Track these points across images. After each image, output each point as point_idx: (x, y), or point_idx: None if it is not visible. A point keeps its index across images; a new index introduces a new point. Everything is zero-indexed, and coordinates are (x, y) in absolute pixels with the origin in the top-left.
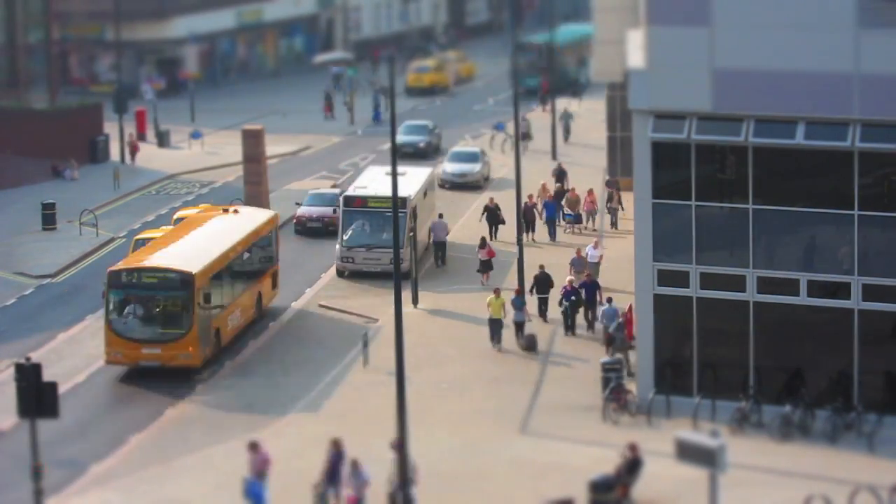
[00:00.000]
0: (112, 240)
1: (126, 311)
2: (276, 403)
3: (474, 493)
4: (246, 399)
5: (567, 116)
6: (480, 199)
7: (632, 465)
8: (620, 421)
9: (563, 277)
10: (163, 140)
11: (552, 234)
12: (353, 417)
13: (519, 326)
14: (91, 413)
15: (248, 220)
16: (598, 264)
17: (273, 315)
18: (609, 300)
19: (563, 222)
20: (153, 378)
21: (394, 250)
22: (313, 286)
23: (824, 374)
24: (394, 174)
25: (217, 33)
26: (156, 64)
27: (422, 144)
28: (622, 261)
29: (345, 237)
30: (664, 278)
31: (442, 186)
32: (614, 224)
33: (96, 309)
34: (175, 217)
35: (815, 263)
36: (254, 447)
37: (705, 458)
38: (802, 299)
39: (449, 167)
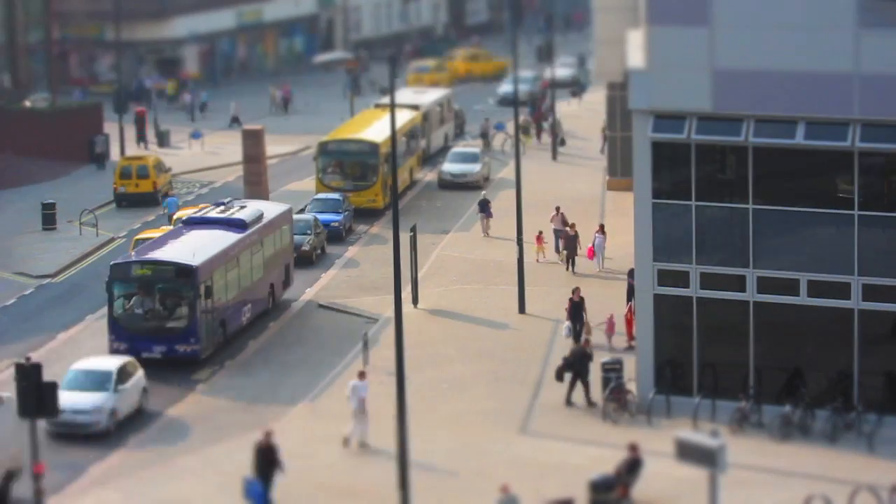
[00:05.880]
0: (112, 240)
1: None
2: (276, 403)
3: (474, 493)
4: (246, 399)
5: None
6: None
7: (632, 465)
8: (620, 421)
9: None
10: (163, 140)
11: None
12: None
13: None
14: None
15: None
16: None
17: (273, 315)
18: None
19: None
20: (153, 378)
21: (394, 256)
22: (313, 286)
23: (824, 374)
24: (394, 171)
25: (217, 33)
26: (156, 64)
27: (335, 224)
28: (623, 261)
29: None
30: (664, 278)
31: (442, 186)
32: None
33: (96, 309)
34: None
35: (815, 263)
36: None
37: (705, 458)
38: (802, 299)
39: (449, 167)
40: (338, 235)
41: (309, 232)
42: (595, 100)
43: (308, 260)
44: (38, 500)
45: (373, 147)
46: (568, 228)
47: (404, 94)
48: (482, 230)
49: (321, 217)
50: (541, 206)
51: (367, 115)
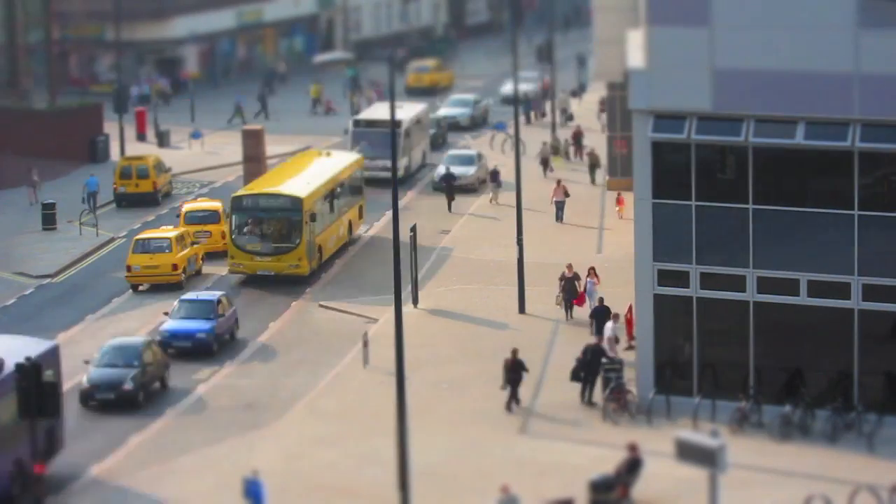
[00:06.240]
0: (112, 240)
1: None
2: (276, 403)
3: (474, 494)
4: (246, 399)
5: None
6: (478, 203)
7: (632, 465)
8: (620, 421)
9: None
10: (163, 140)
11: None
12: (353, 417)
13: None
14: (91, 413)
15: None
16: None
17: (273, 315)
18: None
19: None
20: None
21: (394, 256)
22: (313, 286)
23: (824, 374)
24: (394, 171)
25: (217, 33)
26: (156, 64)
27: (202, 335)
28: (623, 261)
29: None
30: (664, 278)
31: (437, 189)
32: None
33: (96, 309)
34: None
35: (815, 263)
36: None
37: (705, 458)
38: (802, 299)
39: (443, 169)
40: (207, 350)
41: (135, 364)
42: (595, 100)
43: (132, 402)
44: (39, 500)
45: (295, 203)
46: (566, 270)
47: (380, 111)
48: (492, 199)
49: (185, 326)
50: (540, 206)
51: (297, 162)
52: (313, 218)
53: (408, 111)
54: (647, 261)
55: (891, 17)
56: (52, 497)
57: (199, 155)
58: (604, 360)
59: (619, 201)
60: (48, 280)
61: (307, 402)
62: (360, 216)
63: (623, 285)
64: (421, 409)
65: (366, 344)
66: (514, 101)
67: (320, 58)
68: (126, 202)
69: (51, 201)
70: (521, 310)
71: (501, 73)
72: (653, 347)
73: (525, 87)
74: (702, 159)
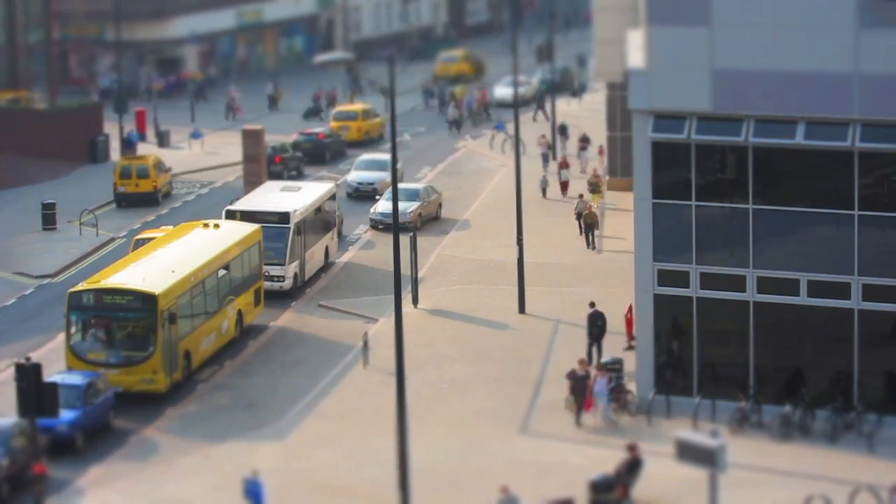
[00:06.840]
0: (112, 240)
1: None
2: (276, 403)
3: (474, 493)
4: (246, 399)
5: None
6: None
7: (632, 465)
8: (620, 421)
9: None
10: (163, 140)
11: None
12: (353, 417)
13: None
14: None
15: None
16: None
17: (273, 315)
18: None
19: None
20: None
21: (394, 256)
22: (313, 286)
23: (824, 374)
24: (394, 175)
25: (217, 33)
26: (156, 64)
27: None
28: (623, 261)
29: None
30: (664, 278)
31: (374, 227)
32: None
33: None
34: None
35: (815, 263)
36: None
37: (705, 458)
38: (802, 299)
39: (381, 206)
40: (69, 445)
41: None
42: (595, 100)
43: None
44: (38, 500)
45: (148, 300)
46: (577, 367)
47: (266, 196)
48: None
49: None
50: (538, 205)
51: (169, 239)
52: (172, 319)
53: (304, 196)
54: (647, 261)
55: (891, 17)
56: (52, 497)
57: (199, 155)
58: (604, 360)
59: (600, 150)
60: (48, 280)
61: (307, 402)
62: (257, 302)
63: (623, 285)
64: (421, 409)
65: (366, 344)
66: (515, 103)
67: (320, 58)
68: (126, 202)
69: (51, 201)
70: (521, 310)
71: (502, 73)
72: (653, 347)
73: (508, 91)
74: (702, 159)
